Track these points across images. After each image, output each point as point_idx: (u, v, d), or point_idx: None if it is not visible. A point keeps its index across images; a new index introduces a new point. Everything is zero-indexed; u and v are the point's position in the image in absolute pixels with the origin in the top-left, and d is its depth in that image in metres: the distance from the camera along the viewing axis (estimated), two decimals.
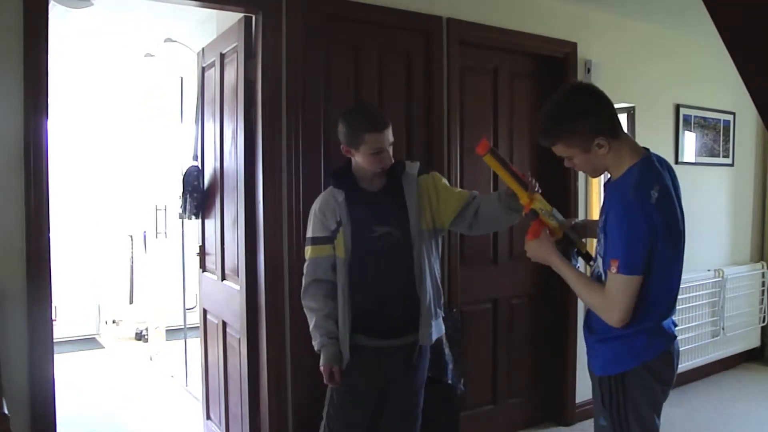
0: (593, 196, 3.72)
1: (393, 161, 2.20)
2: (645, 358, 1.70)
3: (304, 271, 2.26)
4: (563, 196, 3.58)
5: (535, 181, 1.93)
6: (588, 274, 1.85)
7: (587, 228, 2.02)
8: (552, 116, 1.73)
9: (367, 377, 2.24)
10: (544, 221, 1.88)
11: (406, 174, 2.25)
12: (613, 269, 1.62)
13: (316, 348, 2.20)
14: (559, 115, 1.72)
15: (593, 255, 1.89)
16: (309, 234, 2.26)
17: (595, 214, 3.72)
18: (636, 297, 1.63)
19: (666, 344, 1.74)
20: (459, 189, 2.33)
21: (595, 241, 1.89)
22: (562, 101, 1.73)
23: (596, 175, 1.82)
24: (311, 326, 2.22)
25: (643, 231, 1.60)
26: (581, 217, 3.63)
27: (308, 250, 2.25)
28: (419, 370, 2.29)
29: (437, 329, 2.29)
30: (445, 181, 2.33)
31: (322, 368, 2.18)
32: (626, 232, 1.61)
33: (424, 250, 2.22)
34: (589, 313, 1.84)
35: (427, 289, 2.22)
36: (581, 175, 3.57)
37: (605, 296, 1.66)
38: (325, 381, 2.20)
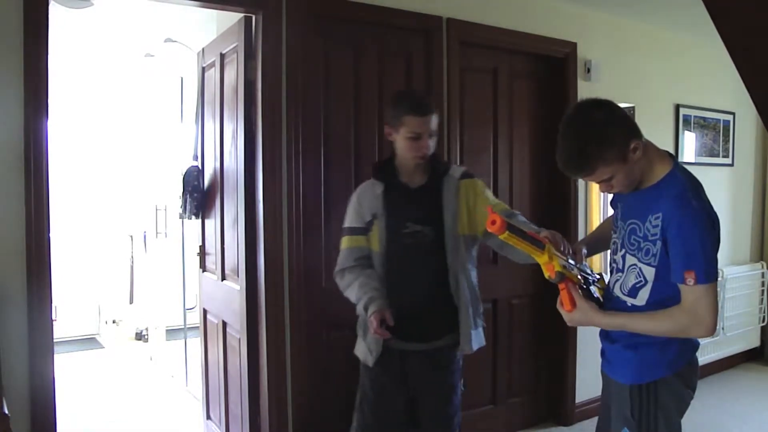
0: (593, 198, 3.71)
1: (431, 152, 2.14)
2: (677, 367, 1.68)
3: (338, 261, 2.23)
4: (563, 197, 3.58)
5: (545, 236, 1.76)
6: (617, 287, 1.76)
7: (589, 248, 1.94)
8: (580, 147, 1.60)
9: (393, 378, 2.19)
10: (571, 278, 1.74)
11: (449, 175, 2.19)
12: (690, 281, 1.54)
13: (362, 304, 2.09)
14: (587, 141, 1.59)
15: (597, 272, 1.85)
16: (345, 224, 2.24)
17: (595, 217, 3.71)
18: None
19: (694, 352, 1.72)
20: (497, 201, 2.24)
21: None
22: (580, 128, 1.62)
23: (631, 188, 1.71)
24: (355, 291, 2.13)
25: (713, 235, 1.57)
26: (580, 220, 3.63)
27: (344, 240, 2.23)
28: (448, 374, 2.21)
29: (477, 339, 2.21)
30: (487, 190, 2.25)
31: (372, 316, 2.03)
32: (701, 240, 1.55)
33: (459, 255, 2.16)
34: None
35: (465, 296, 2.16)
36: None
37: (686, 314, 1.57)
38: (373, 330, 2.03)
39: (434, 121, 2.11)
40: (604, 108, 1.64)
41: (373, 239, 2.17)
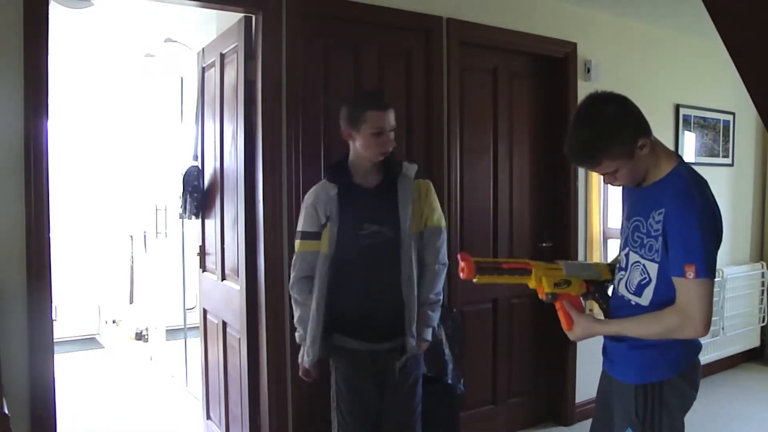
0: (593, 196, 3.71)
1: (395, 145, 2.17)
2: (682, 367, 1.68)
3: (293, 264, 2.26)
4: (563, 197, 3.58)
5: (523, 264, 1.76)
6: (621, 285, 1.75)
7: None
8: (587, 139, 1.63)
9: (364, 370, 2.22)
10: (565, 295, 1.73)
11: (403, 174, 2.21)
12: (690, 274, 1.52)
13: (297, 340, 2.27)
14: (595, 134, 1.62)
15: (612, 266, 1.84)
16: (299, 228, 2.25)
17: (595, 218, 3.71)
18: None
19: (697, 353, 1.73)
20: (436, 214, 2.27)
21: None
22: (590, 121, 1.64)
23: (635, 182, 1.72)
24: (296, 318, 2.26)
25: (715, 232, 1.57)
26: (580, 220, 3.62)
27: (297, 244, 2.26)
28: (415, 362, 2.25)
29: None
30: (436, 198, 2.29)
31: (303, 366, 2.24)
32: (702, 234, 1.54)
33: (413, 254, 2.17)
34: None
35: (414, 295, 2.17)
36: (581, 176, 3.57)
37: (678, 313, 1.56)
38: (300, 374, 2.28)
39: (393, 116, 2.15)
40: (617, 103, 1.65)
41: (323, 242, 2.18)
